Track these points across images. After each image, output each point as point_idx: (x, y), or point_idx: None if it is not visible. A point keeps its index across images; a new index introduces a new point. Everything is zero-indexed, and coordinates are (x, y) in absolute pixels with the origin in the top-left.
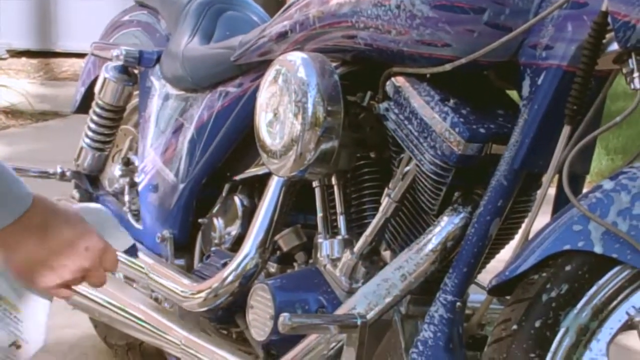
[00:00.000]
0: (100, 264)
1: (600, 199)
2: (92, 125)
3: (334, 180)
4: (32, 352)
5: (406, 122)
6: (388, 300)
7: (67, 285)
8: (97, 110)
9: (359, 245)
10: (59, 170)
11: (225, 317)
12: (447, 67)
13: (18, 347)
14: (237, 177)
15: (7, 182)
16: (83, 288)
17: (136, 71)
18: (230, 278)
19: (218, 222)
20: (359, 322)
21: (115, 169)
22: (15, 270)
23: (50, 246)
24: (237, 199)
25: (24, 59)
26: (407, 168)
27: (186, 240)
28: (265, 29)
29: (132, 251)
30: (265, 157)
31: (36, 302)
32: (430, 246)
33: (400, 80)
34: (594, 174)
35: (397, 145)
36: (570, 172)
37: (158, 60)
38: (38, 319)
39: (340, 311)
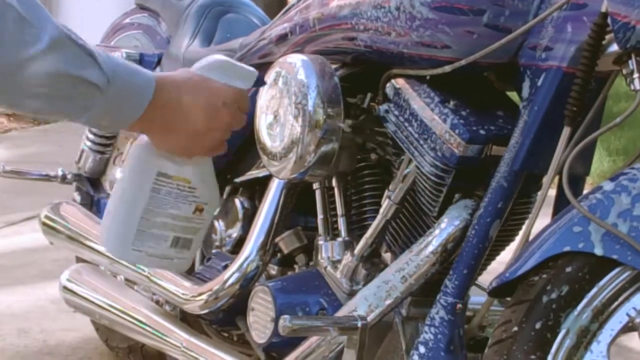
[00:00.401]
0: (239, 109)
1: (600, 200)
2: (93, 128)
3: (334, 182)
4: (213, 211)
5: (406, 124)
6: (388, 302)
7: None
8: None
9: (359, 247)
10: (60, 173)
11: (226, 320)
12: (447, 68)
13: (201, 210)
14: (238, 180)
15: (130, 74)
16: (84, 290)
17: None
18: (231, 280)
19: (219, 225)
20: (359, 324)
21: (116, 172)
22: (167, 150)
23: (189, 118)
24: (237, 202)
25: None
26: (407, 170)
27: None
28: (266, 31)
29: (260, 82)
30: (265, 159)
31: (201, 165)
32: (430, 248)
33: (400, 82)
34: (595, 175)
35: (397, 147)
36: (570, 173)
37: (159, 62)
38: (207, 181)
39: (340, 313)
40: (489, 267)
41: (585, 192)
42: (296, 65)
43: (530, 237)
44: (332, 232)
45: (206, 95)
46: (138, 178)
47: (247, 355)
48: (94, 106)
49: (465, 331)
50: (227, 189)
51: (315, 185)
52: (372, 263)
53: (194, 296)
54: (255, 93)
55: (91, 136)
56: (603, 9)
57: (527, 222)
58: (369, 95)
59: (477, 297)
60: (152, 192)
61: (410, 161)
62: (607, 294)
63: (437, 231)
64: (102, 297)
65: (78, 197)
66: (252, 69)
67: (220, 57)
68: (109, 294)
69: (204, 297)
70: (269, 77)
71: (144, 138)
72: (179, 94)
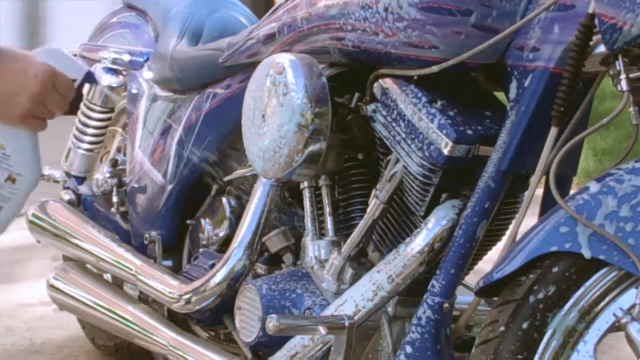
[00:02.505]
0: (55, 89)
1: (587, 201)
2: (81, 127)
3: (321, 182)
4: (29, 185)
5: (393, 124)
6: (375, 301)
7: (34, 115)
8: (85, 111)
9: (346, 246)
10: (47, 171)
11: (213, 319)
12: (435, 68)
13: (13, 180)
14: (225, 179)
15: None
16: (71, 289)
17: (124, 73)
18: (218, 279)
19: (206, 224)
20: (346, 323)
21: (103, 170)
22: None
23: (2, 83)
24: (225, 200)
25: None
26: (395, 169)
27: (174, 242)
28: (253, 30)
29: (88, 78)
30: (252, 158)
31: (20, 137)
32: (417, 248)
33: (387, 82)
34: (582, 175)
35: (384, 146)
36: (557, 173)
37: (146, 61)
38: (26, 152)
39: (327, 312)
40: (476, 267)
41: (571, 192)
42: (284, 65)
43: (517, 237)
44: (319, 231)
45: (22, 65)
46: None
47: (234, 354)
48: None
49: (452, 331)
50: (215, 187)
51: (303, 185)
52: (359, 262)
53: (180, 295)
54: (243, 92)
55: (78, 135)
56: (590, 10)
57: (514, 222)
58: (356, 95)
59: (464, 297)
60: None
61: (397, 161)
62: (593, 294)
63: (424, 231)
64: (89, 296)
65: (65, 196)
66: (84, 66)
67: (60, 49)
68: (95, 293)
69: (190, 295)
70: (257, 76)
71: None
72: (4, 61)
